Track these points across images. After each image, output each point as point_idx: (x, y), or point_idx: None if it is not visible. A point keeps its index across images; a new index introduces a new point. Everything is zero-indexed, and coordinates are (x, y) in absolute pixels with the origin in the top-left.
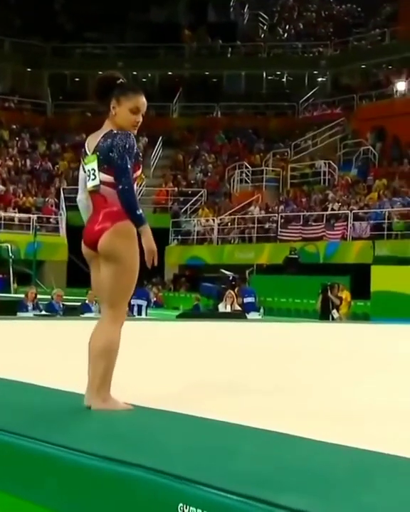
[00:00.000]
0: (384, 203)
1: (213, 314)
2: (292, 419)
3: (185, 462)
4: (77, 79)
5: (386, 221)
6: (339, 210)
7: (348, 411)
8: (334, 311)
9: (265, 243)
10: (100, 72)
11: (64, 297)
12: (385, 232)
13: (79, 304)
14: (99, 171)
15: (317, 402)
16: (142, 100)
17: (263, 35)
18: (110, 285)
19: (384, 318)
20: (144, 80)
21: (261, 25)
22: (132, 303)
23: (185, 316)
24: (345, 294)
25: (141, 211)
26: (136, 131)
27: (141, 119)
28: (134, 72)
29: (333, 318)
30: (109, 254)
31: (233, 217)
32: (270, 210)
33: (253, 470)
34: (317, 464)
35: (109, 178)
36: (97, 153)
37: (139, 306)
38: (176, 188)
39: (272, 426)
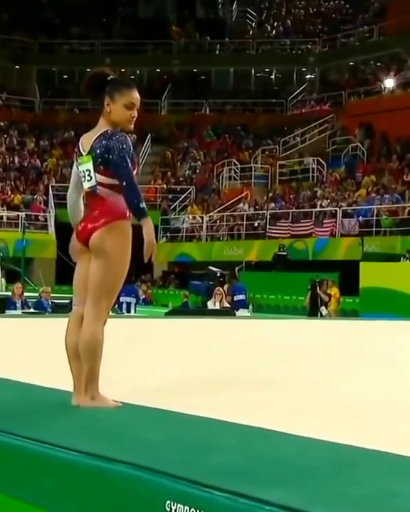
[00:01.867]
0: (373, 200)
1: (202, 311)
2: (280, 415)
3: (172, 459)
4: (65, 76)
5: (374, 218)
6: (327, 206)
7: (337, 406)
8: (323, 307)
9: (254, 240)
10: (88, 69)
11: (53, 295)
12: (374, 229)
13: (68, 301)
14: (95, 171)
15: (304, 398)
16: (136, 95)
17: (251, 32)
18: (96, 281)
19: (373, 315)
20: (132, 76)
21: (249, 21)
22: (121, 300)
23: (174, 313)
24: (334, 291)
25: (143, 205)
26: (132, 126)
27: (136, 114)
28: (122, 69)
29: (322, 315)
30: (99, 250)
31: (222, 214)
32: (258, 206)
33: (239, 466)
34: (302, 459)
35: (106, 180)
36: (93, 154)
37: (128, 304)
38: (165, 185)
39: (259, 422)
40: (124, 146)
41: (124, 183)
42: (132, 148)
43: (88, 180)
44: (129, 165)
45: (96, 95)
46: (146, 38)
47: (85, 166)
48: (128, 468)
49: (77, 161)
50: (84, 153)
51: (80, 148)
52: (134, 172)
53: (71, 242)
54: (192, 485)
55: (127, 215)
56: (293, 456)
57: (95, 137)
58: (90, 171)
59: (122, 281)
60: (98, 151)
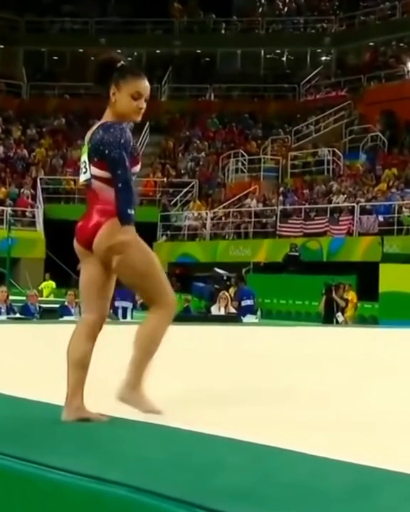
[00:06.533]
0: (394, 195)
1: (206, 317)
2: (292, 431)
3: (174, 480)
4: (55, 57)
5: (396, 215)
6: (344, 202)
7: (354, 422)
8: (339, 313)
9: (263, 239)
10: (81, 50)
11: (41, 299)
12: (395, 227)
13: (58, 306)
14: (89, 163)
15: (318, 413)
16: (144, 84)
17: (260, 10)
18: (132, 281)
19: (394, 322)
20: (129, 58)
21: None
22: (116, 305)
23: (175, 319)
24: (351, 295)
25: (132, 211)
26: (139, 118)
27: (144, 105)
28: (119, 50)
29: (337, 322)
30: (110, 252)
31: (227, 210)
32: (268, 202)
33: (247, 487)
34: (316, 481)
35: (101, 173)
36: (90, 145)
37: (124, 309)
38: (165, 179)
39: (269, 439)
40: (122, 140)
41: (118, 185)
42: (131, 141)
43: (84, 173)
44: (127, 163)
45: (104, 83)
46: (145, 16)
47: (83, 157)
48: (125, 491)
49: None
50: (85, 144)
51: (86, 138)
52: (137, 167)
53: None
54: (196, 509)
55: None
56: (307, 477)
57: (94, 128)
58: (86, 162)
59: (154, 262)
60: (94, 142)
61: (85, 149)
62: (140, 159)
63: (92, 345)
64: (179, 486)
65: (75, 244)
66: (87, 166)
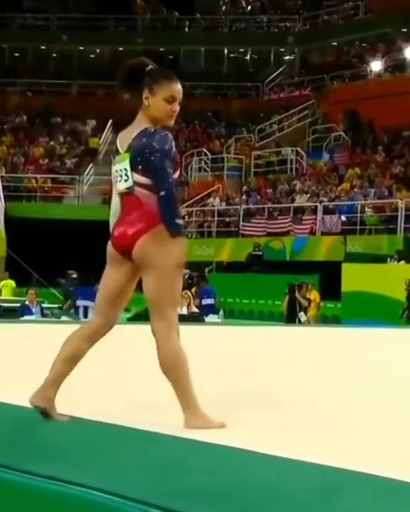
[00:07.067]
0: (357, 195)
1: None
2: (258, 433)
3: (139, 482)
4: (16, 54)
5: (358, 214)
6: (307, 202)
7: (320, 422)
8: (302, 313)
9: (226, 238)
10: (43, 47)
11: (1, 298)
12: (358, 227)
13: (18, 305)
14: (132, 171)
15: (283, 414)
16: (178, 87)
17: (224, 8)
18: (154, 295)
19: (356, 321)
20: (92, 55)
21: None
22: (78, 304)
23: (137, 318)
24: (314, 295)
25: (180, 221)
26: (173, 122)
27: (178, 109)
28: (81, 47)
29: (300, 321)
30: (147, 261)
31: (190, 209)
32: (231, 201)
33: (213, 489)
34: (283, 483)
35: (144, 180)
36: (131, 152)
37: (85, 308)
38: None
39: (229, 440)
40: (166, 146)
41: (161, 193)
42: (174, 148)
43: (125, 181)
44: (170, 171)
45: (133, 87)
46: (108, 13)
47: (121, 164)
48: (89, 494)
49: (114, 159)
50: (122, 151)
51: (118, 145)
52: (177, 174)
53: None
54: (156, 511)
55: None
56: (274, 479)
57: (134, 134)
58: (126, 169)
59: (179, 286)
60: (137, 149)
61: (125, 157)
62: (179, 166)
63: (89, 347)
64: (140, 487)
65: (110, 248)
66: (129, 174)
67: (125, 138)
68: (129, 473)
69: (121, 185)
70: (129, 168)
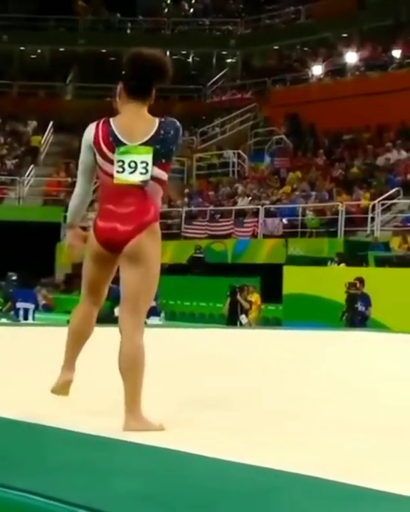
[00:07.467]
0: (298, 198)
1: (109, 318)
2: (196, 435)
3: (70, 484)
4: None
5: (300, 217)
6: (249, 204)
7: (259, 425)
8: (243, 315)
9: (168, 240)
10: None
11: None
12: (299, 230)
13: None
14: (153, 165)
15: (222, 416)
16: None
17: (166, 10)
18: (136, 290)
19: (297, 323)
20: (33, 56)
21: None
22: (17, 306)
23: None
24: (255, 297)
25: None
26: None
27: None
28: (22, 47)
29: (241, 324)
30: (140, 257)
31: None
32: (173, 203)
33: (145, 491)
34: (217, 484)
35: (162, 174)
36: (156, 145)
37: (26, 310)
38: (69, 178)
39: (169, 442)
40: (180, 141)
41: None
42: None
43: (141, 173)
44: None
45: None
46: (48, 13)
47: (140, 157)
48: (19, 496)
49: (117, 150)
50: (135, 143)
51: (119, 136)
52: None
53: (68, 238)
54: None
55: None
56: (208, 480)
57: (155, 126)
58: (147, 163)
59: (156, 287)
60: (163, 141)
61: (146, 150)
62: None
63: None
64: (77, 490)
65: (92, 240)
66: (149, 167)
67: (138, 128)
68: (64, 476)
69: (136, 178)
70: (150, 162)
